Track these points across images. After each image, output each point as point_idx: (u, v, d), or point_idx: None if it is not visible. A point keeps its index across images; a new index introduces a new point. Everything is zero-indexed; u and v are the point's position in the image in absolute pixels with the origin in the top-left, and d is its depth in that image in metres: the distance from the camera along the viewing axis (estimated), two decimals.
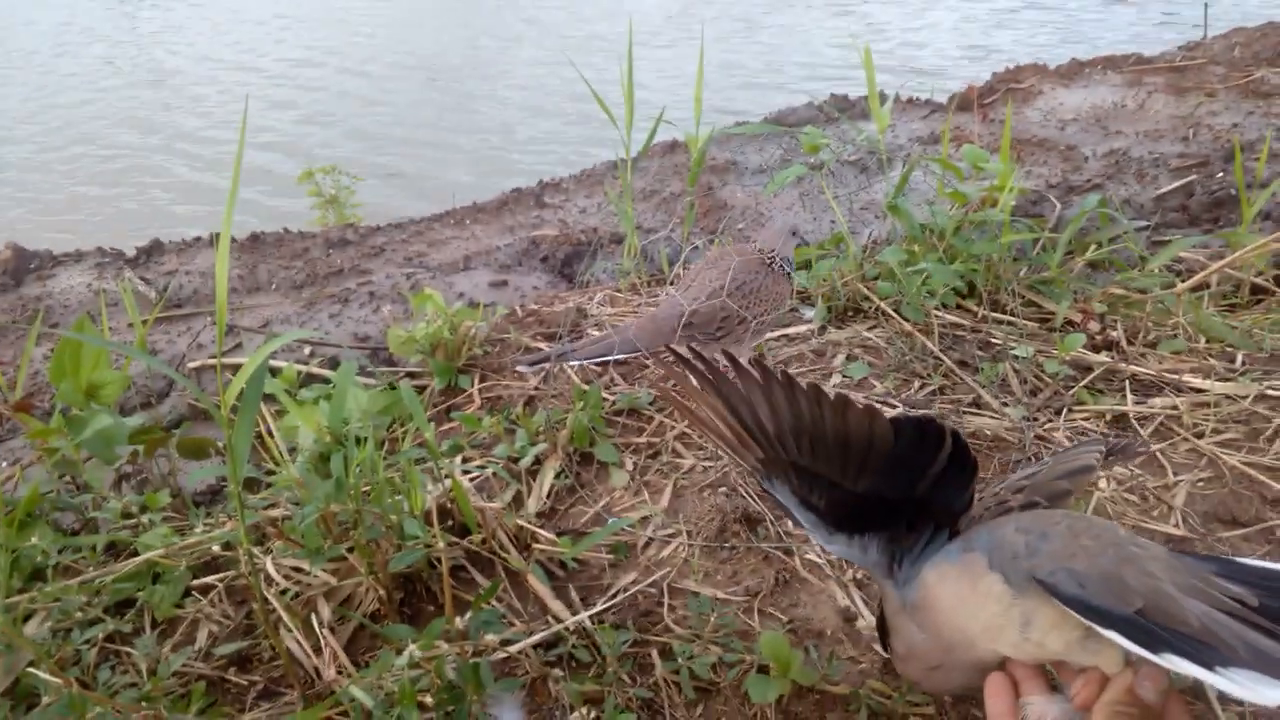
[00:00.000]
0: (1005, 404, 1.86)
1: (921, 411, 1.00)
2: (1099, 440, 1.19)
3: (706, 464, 1.74)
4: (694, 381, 0.96)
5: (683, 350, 0.97)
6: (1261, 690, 0.72)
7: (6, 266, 3.18)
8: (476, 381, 2.01)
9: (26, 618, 1.40)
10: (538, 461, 1.73)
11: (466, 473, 1.69)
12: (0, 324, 2.82)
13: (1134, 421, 1.82)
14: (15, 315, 2.87)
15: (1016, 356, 2.00)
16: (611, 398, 1.90)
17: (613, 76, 2.51)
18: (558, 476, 1.70)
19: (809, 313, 2.20)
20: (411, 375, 2.14)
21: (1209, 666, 0.73)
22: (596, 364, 1.96)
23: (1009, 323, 2.17)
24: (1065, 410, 1.85)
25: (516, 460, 1.72)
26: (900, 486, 0.98)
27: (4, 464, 2.08)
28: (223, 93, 7.16)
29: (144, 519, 1.60)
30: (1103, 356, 2.02)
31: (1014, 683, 0.91)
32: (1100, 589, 0.82)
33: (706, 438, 0.94)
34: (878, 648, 1.36)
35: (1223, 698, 1.28)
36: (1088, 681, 0.84)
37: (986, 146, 2.66)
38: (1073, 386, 1.92)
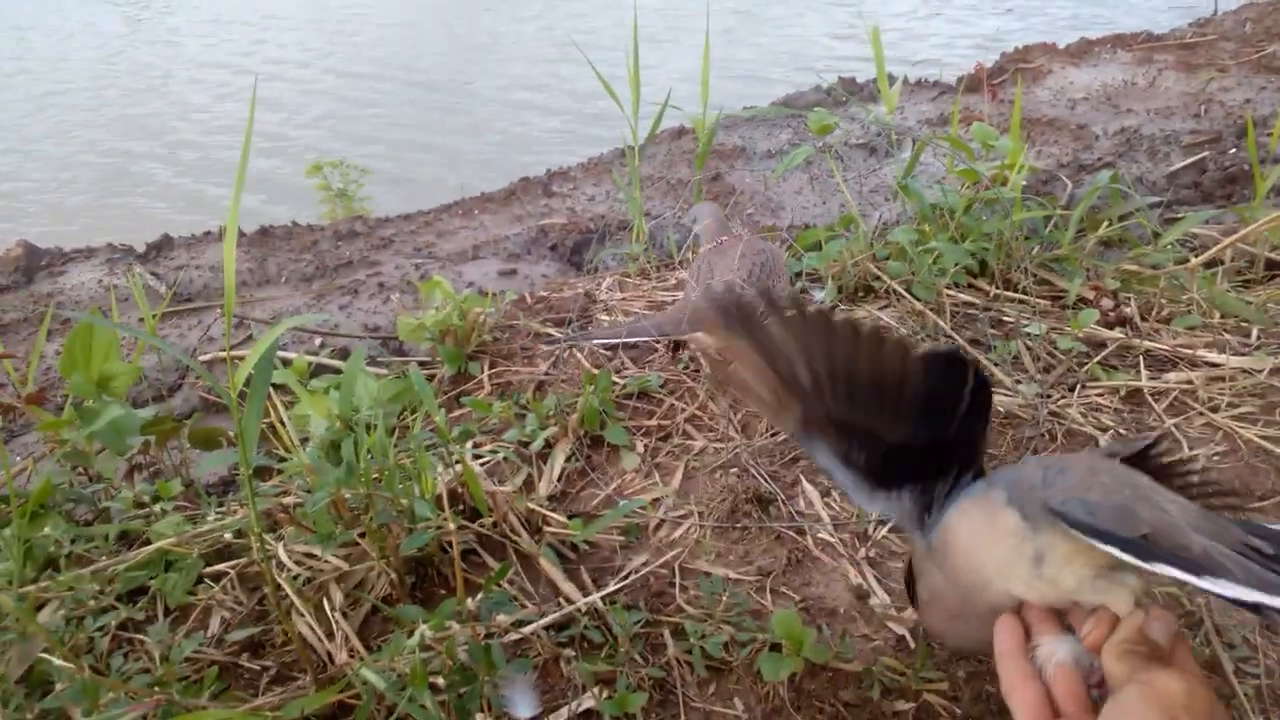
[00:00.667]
0: (1019, 381, 1.84)
1: (946, 346, 1.03)
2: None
3: (718, 445, 1.73)
4: (732, 327, 0.96)
5: (722, 300, 0.98)
6: (1246, 593, 0.73)
7: (18, 264, 3.19)
8: (486, 368, 2.01)
9: (40, 607, 1.40)
10: (548, 445, 1.72)
11: (477, 457, 1.68)
12: (12, 320, 2.83)
13: (1148, 397, 1.80)
14: (27, 312, 2.89)
15: (1029, 334, 1.98)
16: (621, 381, 1.89)
17: (615, 68, 2.49)
18: (568, 460, 1.70)
19: (819, 293, 2.19)
20: (422, 364, 2.14)
21: (1197, 574, 0.74)
22: (609, 347, 1.98)
23: (1021, 301, 2.15)
24: (1079, 386, 1.83)
25: (527, 444, 1.71)
26: (931, 430, 0.98)
27: (18, 459, 2.08)
28: (224, 90, 7.15)
29: (156, 508, 1.60)
30: (1116, 333, 2.00)
31: (1025, 626, 0.91)
32: (1109, 517, 0.82)
33: (747, 401, 0.95)
34: (891, 624, 1.36)
35: (1239, 671, 1.27)
36: (1099, 621, 0.84)
37: (996, 126, 2.64)
38: (1086, 363, 1.91)
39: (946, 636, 1.08)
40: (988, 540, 0.91)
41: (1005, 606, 0.92)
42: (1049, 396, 1.80)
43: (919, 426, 0.98)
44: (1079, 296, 2.15)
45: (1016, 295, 2.17)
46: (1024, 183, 2.26)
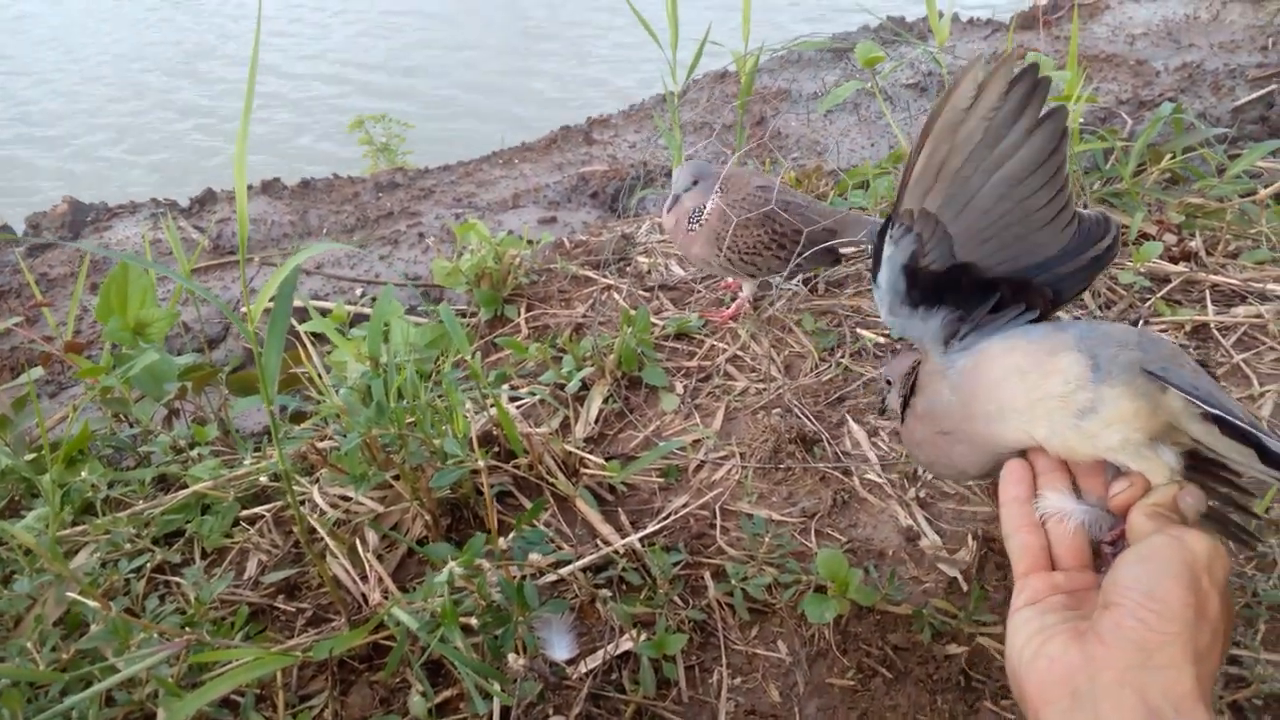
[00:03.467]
0: (1077, 317, 1.76)
1: (1099, 211, 1.01)
2: None
3: (760, 386, 1.68)
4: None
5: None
6: None
7: (64, 220, 3.21)
8: (523, 311, 1.97)
9: (76, 550, 1.40)
10: (585, 387, 1.68)
11: (514, 399, 1.65)
12: (59, 275, 2.85)
13: (1216, 332, 1.72)
14: (74, 267, 2.90)
15: None
16: (660, 322, 1.84)
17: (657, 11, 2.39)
18: (606, 401, 1.66)
19: None
20: (461, 314, 2.11)
21: None
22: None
23: None
24: (1141, 322, 1.75)
25: (563, 386, 1.67)
26: (1028, 269, 0.98)
27: (62, 409, 2.09)
28: (272, 47, 7.14)
29: (193, 453, 1.59)
30: (1180, 267, 1.90)
31: (1033, 475, 0.89)
32: (1211, 395, 0.79)
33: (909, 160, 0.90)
34: (942, 566, 1.30)
35: None
36: (1132, 485, 0.82)
37: (1053, 63, 2.52)
38: (1149, 298, 1.82)
39: (923, 449, 1.05)
40: (1034, 377, 0.87)
41: (1007, 445, 0.91)
42: None
43: (1028, 261, 0.97)
44: (1141, 232, 2.05)
45: None
46: (1081, 118, 2.15)
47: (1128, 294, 1.83)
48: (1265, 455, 0.75)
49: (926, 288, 0.98)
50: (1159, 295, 1.83)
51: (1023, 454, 0.91)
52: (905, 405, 1.08)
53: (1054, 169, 0.90)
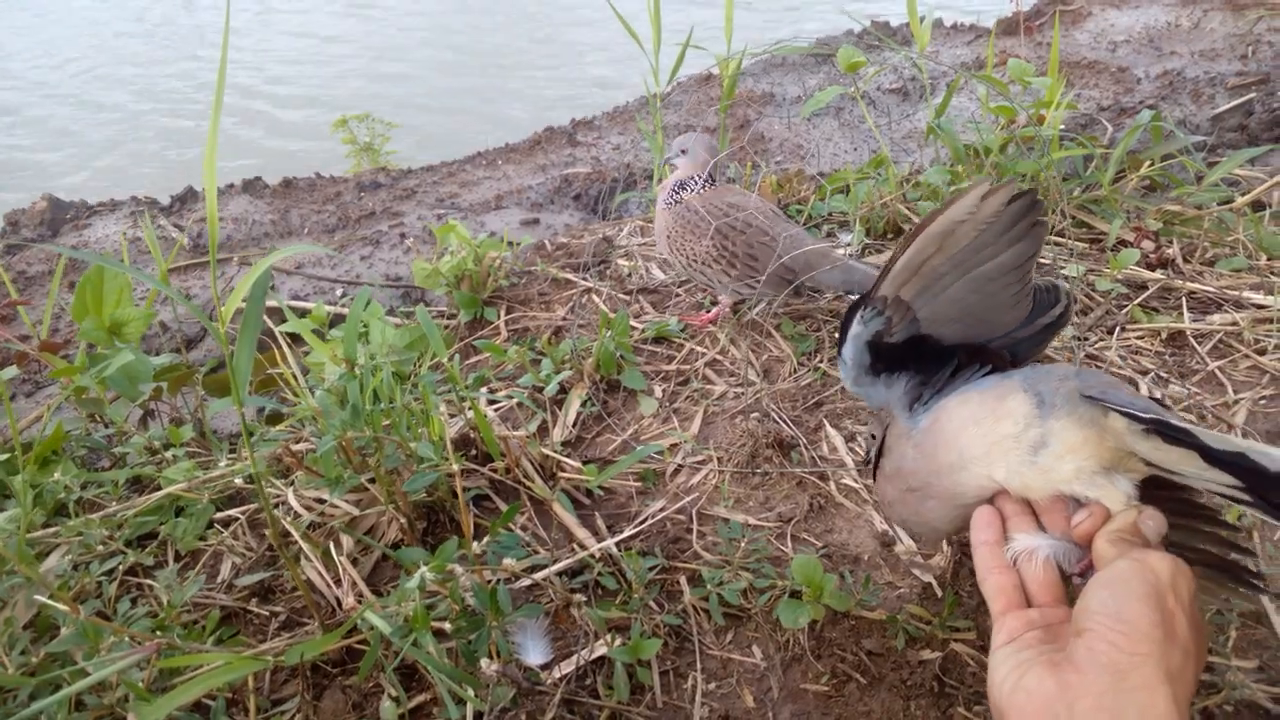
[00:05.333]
0: None
1: (1049, 279, 1.05)
2: None
3: (738, 390, 1.68)
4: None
5: None
6: None
7: (43, 218, 3.18)
8: (503, 313, 1.97)
9: (48, 553, 1.38)
10: (563, 390, 1.68)
11: (492, 403, 1.64)
12: (37, 273, 2.83)
13: (1191, 339, 1.73)
14: (52, 265, 2.87)
15: (1066, 276, 1.90)
16: (640, 326, 1.84)
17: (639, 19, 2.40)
18: (584, 405, 1.65)
19: (846, 236, 2.11)
20: (441, 316, 2.10)
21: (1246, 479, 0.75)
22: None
23: (1058, 243, 2.07)
24: (1118, 329, 1.76)
25: (541, 389, 1.67)
26: (984, 338, 1.04)
27: (38, 408, 2.07)
28: (256, 45, 7.11)
29: (167, 454, 1.58)
30: (1157, 274, 1.91)
31: (1002, 520, 0.91)
32: (1148, 409, 0.81)
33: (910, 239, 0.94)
34: (917, 572, 1.31)
35: None
36: (1092, 514, 0.84)
37: (1034, 69, 2.53)
38: (1126, 305, 1.83)
39: (895, 508, 1.07)
40: (987, 423, 0.91)
41: (972, 493, 0.93)
42: (1086, 339, 1.73)
43: (986, 334, 1.03)
44: (1119, 239, 2.06)
45: (1053, 238, 2.09)
46: (1062, 125, 2.16)
47: (1105, 300, 1.84)
48: (1208, 456, 0.76)
49: (889, 357, 1.03)
50: (1136, 302, 1.84)
51: (990, 502, 0.93)
52: (875, 467, 1.11)
53: (1027, 269, 0.96)
